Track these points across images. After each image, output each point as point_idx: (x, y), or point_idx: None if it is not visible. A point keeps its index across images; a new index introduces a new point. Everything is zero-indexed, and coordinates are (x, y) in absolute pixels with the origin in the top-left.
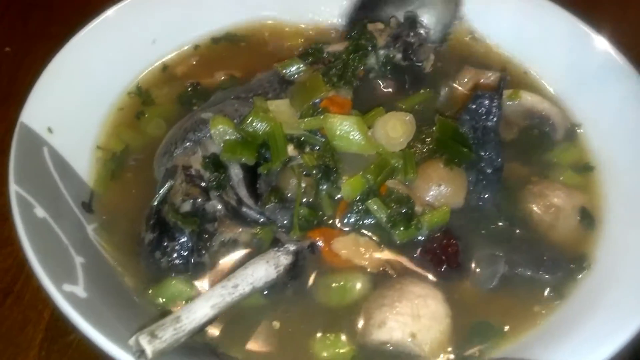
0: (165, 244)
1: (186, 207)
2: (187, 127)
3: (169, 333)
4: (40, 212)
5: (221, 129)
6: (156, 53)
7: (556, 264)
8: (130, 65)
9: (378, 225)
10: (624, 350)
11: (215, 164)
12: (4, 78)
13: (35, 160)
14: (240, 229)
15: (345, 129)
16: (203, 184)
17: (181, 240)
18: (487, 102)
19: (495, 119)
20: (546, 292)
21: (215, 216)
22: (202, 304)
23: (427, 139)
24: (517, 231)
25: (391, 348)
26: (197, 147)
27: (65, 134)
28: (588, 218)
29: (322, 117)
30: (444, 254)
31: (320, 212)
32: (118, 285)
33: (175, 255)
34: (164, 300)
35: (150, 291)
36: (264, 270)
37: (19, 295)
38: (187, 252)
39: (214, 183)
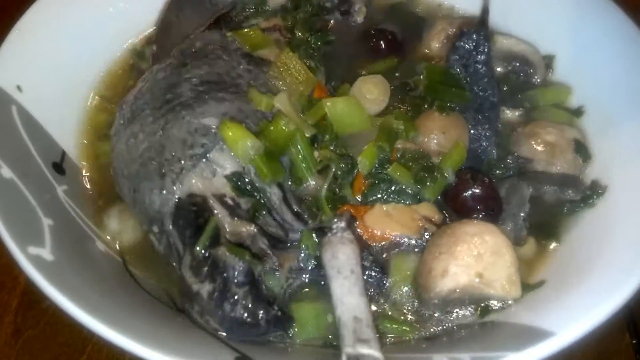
0: (235, 288)
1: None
2: (184, 139)
3: (368, 331)
4: (6, 172)
5: (249, 144)
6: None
7: (577, 181)
8: (110, 22)
9: (400, 190)
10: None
11: (248, 186)
12: None
13: (2, 119)
14: (291, 253)
15: (349, 111)
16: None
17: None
18: (474, 35)
19: (485, 50)
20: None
21: (264, 252)
22: (353, 298)
23: (411, 96)
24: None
25: (459, 295)
26: (212, 165)
27: (36, 93)
28: (583, 150)
29: (321, 104)
30: (481, 192)
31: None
32: (88, 249)
33: (251, 298)
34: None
35: (294, 333)
36: (349, 250)
37: None
38: (258, 291)
39: (254, 212)
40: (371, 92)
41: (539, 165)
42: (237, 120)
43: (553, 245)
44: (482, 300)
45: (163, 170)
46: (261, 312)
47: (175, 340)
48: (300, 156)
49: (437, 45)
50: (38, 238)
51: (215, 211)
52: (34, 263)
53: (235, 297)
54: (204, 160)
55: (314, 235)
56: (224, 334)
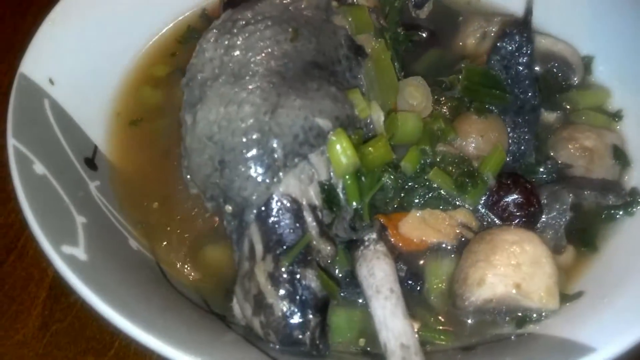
0: (310, 316)
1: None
2: (296, 134)
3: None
4: (39, 168)
5: (348, 160)
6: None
7: (617, 186)
8: (142, 12)
9: (438, 196)
10: None
11: (333, 200)
12: (8, 27)
13: (35, 113)
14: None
15: (416, 127)
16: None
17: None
18: (517, 37)
19: (528, 52)
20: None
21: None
22: (398, 322)
23: (444, 99)
24: (564, 169)
25: (495, 305)
26: (311, 169)
27: (68, 86)
28: (622, 156)
29: (395, 119)
30: (522, 197)
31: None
32: (122, 248)
33: (319, 329)
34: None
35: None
36: (385, 265)
37: (23, 251)
38: (326, 321)
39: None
40: (413, 97)
41: (577, 171)
42: (344, 127)
43: (592, 254)
44: (519, 311)
45: (266, 161)
46: (323, 346)
47: (208, 344)
48: (370, 177)
49: (472, 42)
50: (72, 237)
51: (308, 224)
52: (68, 263)
53: (308, 325)
54: (305, 161)
55: (344, 255)
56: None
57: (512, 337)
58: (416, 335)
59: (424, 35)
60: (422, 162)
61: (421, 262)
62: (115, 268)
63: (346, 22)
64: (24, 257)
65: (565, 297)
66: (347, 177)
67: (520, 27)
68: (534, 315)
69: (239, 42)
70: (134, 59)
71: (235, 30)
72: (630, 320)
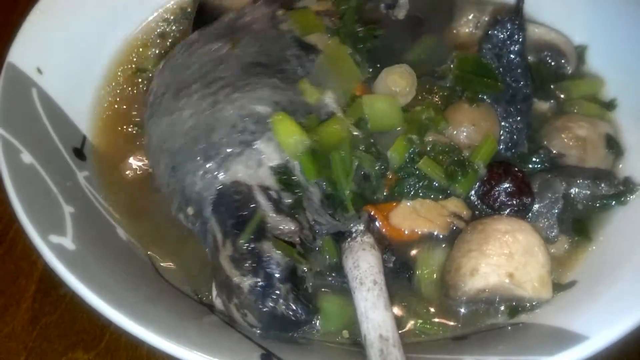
0: (277, 284)
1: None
2: (234, 124)
3: (395, 351)
4: (27, 157)
5: (296, 139)
6: None
7: (610, 175)
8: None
9: (428, 185)
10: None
11: (291, 181)
12: None
13: (23, 102)
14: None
15: (387, 110)
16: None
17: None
18: (508, 24)
19: (520, 40)
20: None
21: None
22: (379, 314)
23: (436, 88)
24: (557, 158)
25: (488, 294)
26: (258, 155)
27: (56, 75)
28: (615, 145)
29: (360, 102)
30: (514, 186)
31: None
32: (109, 238)
33: (292, 296)
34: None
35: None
36: (371, 256)
37: (12, 244)
38: (300, 288)
39: (293, 209)
40: (397, 83)
41: (571, 161)
42: (288, 112)
43: (585, 243)
44: (512, 300)
45: (209, 153)
46: (301, 310)
47: (198, 334)
48: (340, 160)
49: (466, 31)
50: (59, 226)
51: (260, 203)
52: (56, 252)
53: (278, 293)
54: (251, 148)
55: (333, 243)
56: (258, 330)
57: (506, 327)
58: (396, 328)
59: (416, 22)
60: (412, 151)
61: (413, 252)
62: (103, 258)
63: (293, 26)
64: (13, 250)
65: (558, 286)
66: (299, 155)
67: (512, 14)
68: (527, 304)
69: (179, 61)
70: (123, 47)
71: (181, 52)
72: (623, 309)
